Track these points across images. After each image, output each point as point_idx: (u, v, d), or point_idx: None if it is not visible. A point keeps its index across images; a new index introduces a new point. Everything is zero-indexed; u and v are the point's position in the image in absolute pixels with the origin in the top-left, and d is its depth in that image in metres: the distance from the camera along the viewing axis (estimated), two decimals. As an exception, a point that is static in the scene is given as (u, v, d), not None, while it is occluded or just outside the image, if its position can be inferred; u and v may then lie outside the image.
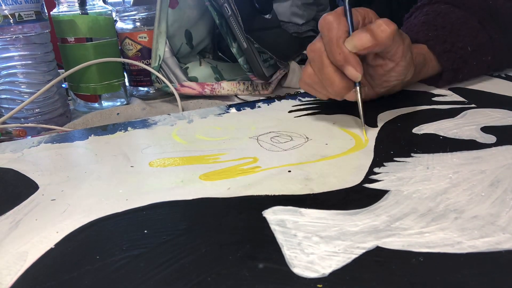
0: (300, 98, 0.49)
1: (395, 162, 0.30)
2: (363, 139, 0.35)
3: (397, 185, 0.27)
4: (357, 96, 0.37)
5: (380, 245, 0.21)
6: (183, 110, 0.52)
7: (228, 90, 0.57)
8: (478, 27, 0.48)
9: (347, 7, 0.37)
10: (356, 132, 0.37)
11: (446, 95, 0.47)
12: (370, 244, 0.21)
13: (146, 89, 0.62)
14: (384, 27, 0.35)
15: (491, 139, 0.34)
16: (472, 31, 0.48)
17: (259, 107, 0.47)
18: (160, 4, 0.55)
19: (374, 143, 0.34)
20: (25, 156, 0.36)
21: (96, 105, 0.58)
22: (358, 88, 0.37)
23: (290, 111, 0.44)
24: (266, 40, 0.58)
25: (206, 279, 0.20)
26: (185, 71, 0.59)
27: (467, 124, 0.37)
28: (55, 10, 0.54)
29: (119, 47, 0.60)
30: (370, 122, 0.39)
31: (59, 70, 0.55)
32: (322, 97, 0.41)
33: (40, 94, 0.48)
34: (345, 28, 0.36)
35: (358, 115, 0.37)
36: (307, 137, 0.36)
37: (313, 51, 0.38)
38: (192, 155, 0.34)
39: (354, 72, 0.35)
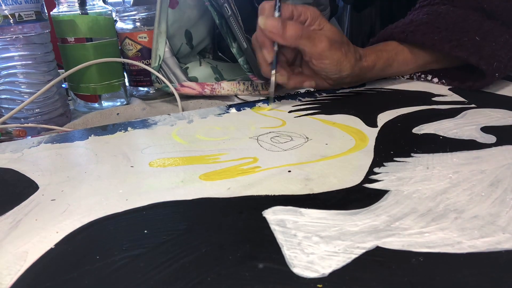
0: (300, 98, 0.49)
1: (395, 162, 0.30)
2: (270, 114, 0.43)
3: (397, 185, 0.27)
4: (271, 76, 0.46)
5: (380, 245, 0.21)
6: (183, 110, 0.52)
7: (228, 90, 0.57)
8: (480, 20, 0.49)
9: (277, 2, 0.44)
10: (355, 132, 0.37)
11: (446, 95, 0.47)
12: (370, 244, 0.21)
13: (146, 89, 0.62)
14: (291, 28, 0.42)
15: (491, 139, 0.34)
16: (475, 24, 0.48)
17: (259, 107, 0.47)
18: (160, 4, 0.55)
19: (374, 143, 0.34)
20: (25, 156, 0.36)
21: (96, 105, 0.58)
22: (273, 71, 0.46)
23: (290, 111, 0.44)
24: (266, 40, 0.58)
25: (206, 279, 0.20)
26: (185, 71, 0.59)
27: (467, 124, 0.37)
28: (55, 10, 0.54)
29: (119, 47, 0.60)
30: (370, 122, 0.39)
31: (59, 70, 0.55)
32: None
33: (40, 94, 0.48)
34: (270, 15, 0.43)
35: (357, 115, 0.37)
36: (307, 137, 0.36)
37: (254, 38, 0.47)
38: (192, 155, 0.34)
39: (266, 53, 0.45)
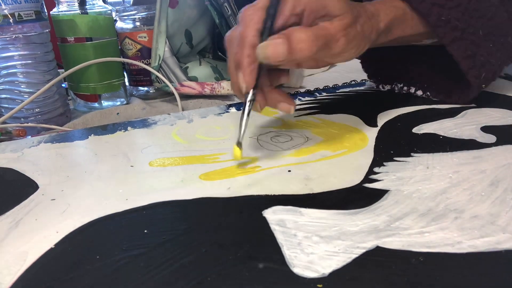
0: (300, 98, 0.49)
1: (395, 162, 0.30)
2: (236, 159, 0.31)
3: (397, 184, 0.27)
4: (243, 111, 0.31)
5: (380, 245, 0.21)
6: (183, 110, 0.52)
7: (228, 89, 0.57)
8: (496, 5, 0.42)
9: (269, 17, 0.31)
10: (355, 132, 0.37)
11: (446, 95, 0.46)
12: (370, 244, 0.21)
13: (146, 88, 0.62)
14: (303, 44, 0.29)
15: (491, 138, 0.34)
16: (489, 11, 0.41)
17: (259, 106, 0.47)
18: (160, 3, 0.55)
19: (374, 143, 0.34)
20: (25, 156, 0.36)
21: (96, 104, 0.58)
22: (246, 100, 0.31)
23: (290, 111, 0.44)
24: (266, 39, 0.58)
25: (206, 279, 0.20)
26: (185, 71, 0.59)
27: (467, 124, 0.37)
28: (55, 9, 0.54)
29: (119, 47, 0.60)
30: (370, 121, 0.39)
31: (59, 70, 0.55)
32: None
33: (40, 93, 0.48)
34: (256, 27, 0.31)
35: (358, 115, 0.37)
36: (307, 137, 0.36)
37: (227, 40, 0.33)
38: (192, 155, 0.34)
39: (242, 80, 0.31)
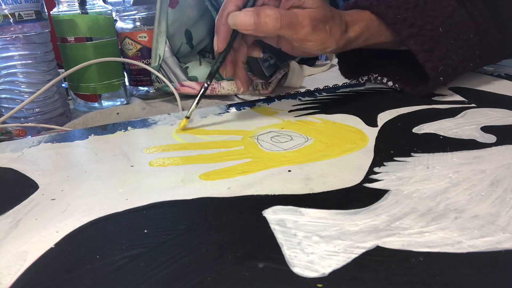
0: (300, 97, 0.49)
1: (395, 162, 0.30)
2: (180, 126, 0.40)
3: (397, 184, 0.27)
4: (198, 93, 0.40)
5: (380, 245, 0.21)
6: (183, 110, 0.52)
7: (228, 89, 0.57)
8: (454, 6, 0.45)
9: None
10: (355, 132, 0.37)
11: (446, 95, 0.47)
12: (370, 244, 0.21)
13: (146, 88, 0.62)
14: (268, 20, 0.35)
15: (491, 138, 0.34)
16: (446, 11, 0.44)
17: (259, 106, 0.47)
18: (160, 3, 0.55)
19: (374, 143, 0.34)
20: (25, 156, 0.36)
21: (96, 104, 0.58)
22: (202, 87, 0.40)
23: (290, 111, 0.44)
24: (266, 39, 0.58)
25: (206, 279, 0.20)
26: (185, 71, 0.59)
27: (467, 124, 0.37)
28: (55, 9, 0.54)
29: (119, 47, 0.60)
30: (370, 121, 0.39)
31: (59, 70, 0.55)
32: None
33: (40, 93, 0.48)
34: (236, 3, 0.37)
35: (357, 115, 0.37)
36: (307, 137, 0.36)
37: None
38: (192, 155, 0.34)
39: (215, 43, 0.39)
